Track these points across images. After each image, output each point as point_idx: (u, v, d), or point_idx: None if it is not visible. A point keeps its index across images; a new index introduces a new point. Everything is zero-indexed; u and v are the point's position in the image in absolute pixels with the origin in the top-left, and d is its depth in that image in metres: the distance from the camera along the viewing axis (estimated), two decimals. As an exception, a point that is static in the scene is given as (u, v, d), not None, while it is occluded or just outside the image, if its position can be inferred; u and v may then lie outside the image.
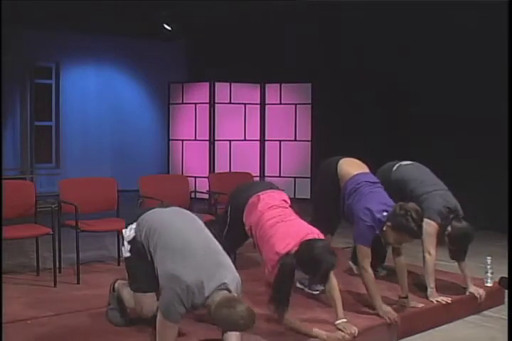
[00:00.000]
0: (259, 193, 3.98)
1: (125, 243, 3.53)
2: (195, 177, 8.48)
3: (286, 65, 8.86)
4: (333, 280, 3.73)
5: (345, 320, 3.71)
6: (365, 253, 4.07)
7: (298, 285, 4.43)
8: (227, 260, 3.33)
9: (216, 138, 8.88)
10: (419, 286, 4.60)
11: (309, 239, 3.57)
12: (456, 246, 4.41)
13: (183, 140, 9.15)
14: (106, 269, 5.07)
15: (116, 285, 3.78)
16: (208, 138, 8.86)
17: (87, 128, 9.82)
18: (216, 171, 8.61)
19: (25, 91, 9.38)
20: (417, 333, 3.97)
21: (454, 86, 7.57)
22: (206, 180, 6.33)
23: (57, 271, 4.62)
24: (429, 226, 4.31)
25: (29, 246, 5.14)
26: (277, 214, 3.82)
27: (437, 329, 4.08)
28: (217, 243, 3.41)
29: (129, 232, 3.51)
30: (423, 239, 4.32)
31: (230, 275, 3.22)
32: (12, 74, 8.84)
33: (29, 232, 4.63)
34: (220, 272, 3.20)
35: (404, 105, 7.97)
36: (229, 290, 3.15)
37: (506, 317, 3.48)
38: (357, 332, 3.64)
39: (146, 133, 10.26)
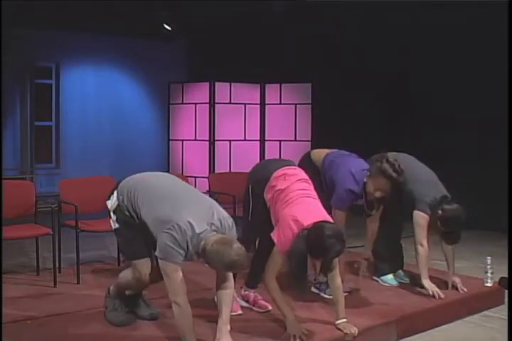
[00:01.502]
0: (285, 167, 3.91)
1: (111, 214, 3.58)
2: (195, 177, 8.47)
3: (286, 65, 8.86)
4: (338, 279, 3.72)
5: (345, 320, 3.70)
6: (340, 218, 4.20)
7: (313, 289, 4.45)
8: (215, 203, 3.41)
9: (216, 138, 8.87)
10: (420, 286, 4.61)
11: (323, 221, 3.54)
12: (450, 228, 4.42)
13: (183, 140, 9.14)
14: (106, 269, 5.07)
15: (111, 287, 3.79)
16: (208, 138, 8.85)
17: (87, 128, 9.81)
18: (216, 171, 8.60)
19: (25, 91, 9.37)
20: (417, 333, 3.97)
21: (455, 86, 7.57)
22: (206, 180, 6.34)
23: (57, 271, 4.62)
24: (421, 217, 4.38)
25: (29, 246, 5.14)
26: (304, 188, 3.79)
27: (437, 329, 4.08)
28: (200, 192, 3.54)
29: (111, 202, 3.57)
30: (414, 231, 4.42)
31: (220, 214, 3.30)
32: (12, 74, 8.84)
33: (29, 232, 4.63)
34: (209, 213, 3.28)
35: (404, 105, 7.97)
36: (222, 232, 3.23)
37: (506, 317, 3.48)
38: (357, 332, 3.63)
39: (146, 133, 10.25)
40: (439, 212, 4.36)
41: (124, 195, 3.49)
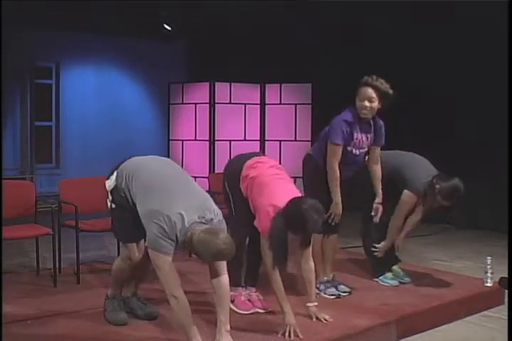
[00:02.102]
0: (255, 157, 4.01)
1: (108, 194, 3.62)
2: (195, 177, 8.44)
3: (286, 65, 8.86)
4: (311, 261, 3.77)
5: (316, 303, 3.79)
6: (334, 152, 4.17)
7: None
8: (208, 197, 3.42)
9: (216, 138, 8.86)
10: (421, 285, 4.61)
11: (299, 197, 3.63)
12: (451, 201, 4.47)
13: (183, 140, 9.14)
14: (106, 269, 5.05)
15: (109, 290, 3.81)
16: (208, 138, 8.85)
17: (87, 128, 9.81)
18: (216, 171, 8.59)
19: (25, 91, 9.36)
20: (417, 333, 3.97)
21: (456, 87, 7.57)
22: (206, 180, 6.33)
23: (57, 271, 4.62)
24: (408, 196, 4.51)
25: (29, 246, 5.14)
26: (277, 173, 3.88)
27: (437, 329, 4.07)
28: (197, 185, 3.54)
29: (110, 182, 3.60)
30: (397, 207, 4.54)
31: (212, 208, 3.32)
32: (12, 74, 8.84)
33: (29, 232, 4.63)
34: (202, 206, 3.29)
35: (404, 105, 7.94)
36: (210, 224, 3.24)
37: (506, 317, 3.48)
38: (328, 318, 3.73)
39: (146, 133, 10.25)
40: (437, 186, 4.41)
41: (123, 178, 3.52)
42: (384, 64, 7.98)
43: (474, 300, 4.43)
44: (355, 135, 4.22)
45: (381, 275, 4.73)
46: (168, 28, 9.04)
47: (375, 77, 4.22)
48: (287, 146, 9.00)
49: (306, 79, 8.79)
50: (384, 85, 4.19)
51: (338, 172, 4.18)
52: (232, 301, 3.95)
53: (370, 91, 4.19)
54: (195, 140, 9.02)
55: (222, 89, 8.88)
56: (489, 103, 7.24)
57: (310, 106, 9.06)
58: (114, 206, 3.62)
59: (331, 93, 8.55)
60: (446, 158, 7.43)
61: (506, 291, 4.41)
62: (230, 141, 8.97)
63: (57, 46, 9.18)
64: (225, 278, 3.37)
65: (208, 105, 8.82)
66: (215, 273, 3.36)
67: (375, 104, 4.20)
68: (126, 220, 3.55)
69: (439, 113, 7.72)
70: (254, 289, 4.07)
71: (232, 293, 3.92)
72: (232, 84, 8.91)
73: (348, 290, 4.41)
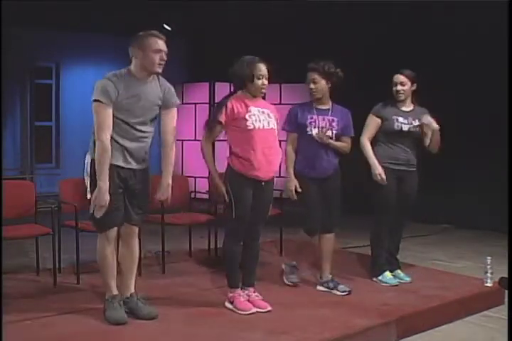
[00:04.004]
0: None
1: (86, 182, 3.72)
2: (195, 177, 8.47)
3: (286, 65, 8.85)
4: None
5: None
6: (288, 138, 4.62)
7: (321, 288, 4.54)
8: None
9: (216, 138, 8.86)
10: (421, 285, 4.61)
11: None
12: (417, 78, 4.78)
13: (183, 140, 9.13)
14: (106, 269, 5.06)
15: (107, 292, 3.83)
16: (207, 138, 8.86)
17: (87, 128, 9.73)
18: (216, 171, 8.60)
19: (25, 91, 9.37)
20: (417, 333, 3.97)
21: (456, 87, 7.56)
22: (206, 180, 6.34)
23: (57, 271, 4.62)
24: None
25: (29, 246, 5.14)
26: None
27: (437, 329, 4.07)
28: None
29: (87, 159, 3.76)
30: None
31: None
32: (12, 74, 8.84)
33: (29, 232, 4.63)
34: None
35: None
36: None
37: (506, 317, 3.47)
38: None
39: (146, 133, 10.26)
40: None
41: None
42: (384, 64, 7.98)
43: (474, 300, 4.43)
44: (308, 116, 4.50)
45: (380, 274, 4.73)
46: (168, 28, 9.03)
47: (320, 62, 4.57)
48: (287, 146, 9.00)
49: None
50: (326, 66, 4.51)
51: (292, 155, 4.52)
52: (231, 302, 3.97)
53: (311, 74, 4.53)
54: (195, 140, 9.02)
55: (222, 89, 8.87)
56: (489, 103, 7.24)
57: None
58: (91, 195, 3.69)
59: (331, 93, 8.55)
60: (447, 159, 7.45)
61: (506, 291, 4.41)
62: (230, 140, 8.96)
63: (57, 46, 9.18)
64: (172, 136, 4.05)
65: (207, 105, 8.82)
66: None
67: (320, 85, 4.51)
68: (111, 200, 3.61)
69: (439, 112, 7.71)
70: (252, 289, 4.07)
71: (230, 295, 3.98)
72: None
73: (348, 289, 4.41)
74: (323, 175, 4.43)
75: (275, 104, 9.05)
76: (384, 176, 4.57)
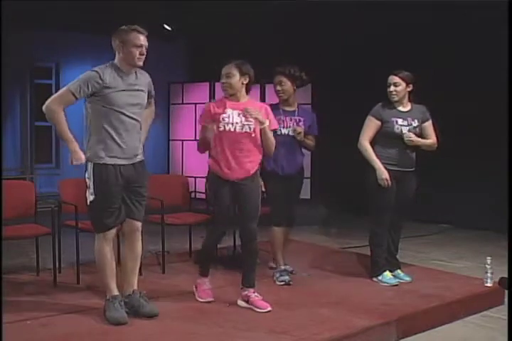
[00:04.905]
0: None
1: (88, 183, 3.81)
2: (195, 177, 8.47)
3: (286, 65, 8.85)
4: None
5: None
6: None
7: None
8: None
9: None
10: (421, 285, 4.61)
11: None
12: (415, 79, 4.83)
13: (183, 140, 9.15)
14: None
15: (107, 292, 3.84)
16: (208, 138, 8.87)
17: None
18: (216, 171, 8.61)
19: (25, 91, 9.37)
20: (417, 333, 3.97)
21: (456, 87, 7.57)
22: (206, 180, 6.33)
23: (57, 271, 4.62)
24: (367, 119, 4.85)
25: (29, 246, 5.14)
26: None
27: (437, 329, 4.07)
28: None
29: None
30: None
31: None
32: (12, 74, 8.83)
33: (29, 232, 4.63)
34: None
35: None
36: None
37: (506, 318, 3.47)
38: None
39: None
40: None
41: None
42: (384, 64, 7.98)
43: (474, 300, 4.43)
44: (277, 117, 4.57)
45: (380, 275, 4.73)
46: (168, 28, 9.04)
47: (286, 65, 4.94)
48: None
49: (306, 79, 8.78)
50: (292, 70, 4.85)
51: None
52: (195, 288, 4.25)
53: (278, 77, 4.87)
54: (195, 140, 9.01)
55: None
56: (489, 103, 7.24)
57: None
58: (92, 198, 3.74)
59: (331, 93, 8.55)
60: (447, 158, 7.45)
61: (506, 291, 4.41)
62: (230, 140, 8.97)
63: (57, 46, 9.18)
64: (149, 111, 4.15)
65: (207, 105, 8.82)
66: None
67: (286, 87, 4.82)
68: (107, 208, 3.71)
69: (439, 112, 7.71)
70: (252, 290, 4.10)
71: (198, 281, 4.27)
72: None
73: (287, 280, 4.64)
74: (290, 174, 4.74)
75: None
76: (389, 181, 4.58)
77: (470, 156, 7.43)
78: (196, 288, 4.25)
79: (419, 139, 4.68)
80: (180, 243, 5.75)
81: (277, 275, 4.73)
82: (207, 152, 4.24)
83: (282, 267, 4.79)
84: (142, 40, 3.83)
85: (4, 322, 3.51)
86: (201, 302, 4.12)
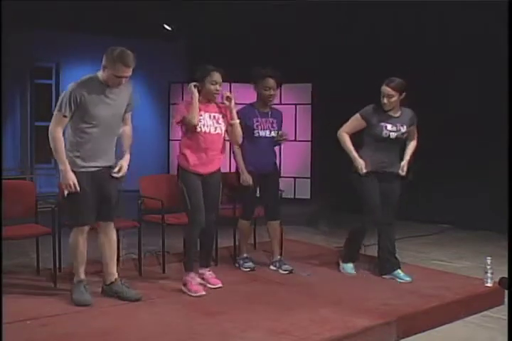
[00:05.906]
0: None
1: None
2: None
3: (286, 65, 8.85)
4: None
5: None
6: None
7: (271, 267, 5.05)
8: None
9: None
10: (421, 285, 4.61)
11: None
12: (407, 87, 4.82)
13: (183, 140, 9.14)
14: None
15: (75, 277, 4.16)
16: (208, 138, 8.86)
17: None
18: (216, 171, 8.60)
19: (25, 91, 9.38)
20: (417, 333, 3.97)
21: (456, 86, 7.56)
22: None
23: (57, 271, 4.61)
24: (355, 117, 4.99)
25: (29, 246, 5.13)
26: None
27: (437, 329, 4.07)
28: None
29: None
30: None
31: None
32: (12, 74, 8.84)
33: (29, 232, 4.63)
34: None
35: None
36: None
37: (506, 318, 3.47)
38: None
39: (146, 133, 10.24)
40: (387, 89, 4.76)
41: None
42: (384, 64, 7.99)
43: (474, 300, 4.43)
44: (254, 119, 4.93)
45: (345, 263, 4.96)
46: (168, 28, 9.04)
47: (275, 69, 5.02)
48: (287, 146, 8.99)
49: (306, 79, 8.79)
50: (278, 73, 5.01)
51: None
52: (185, 285, 4.36)
53: (273, 81, 4.96)
54: (195, 140, 9.02)
55: (222, 89, 8.89)
56: (489, 103, 7.24)
57: (310, 106, 9.07)
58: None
59: (331, 93, 8.56)
60: (447, 158, 7.45)
61: (506, 291, 4.41)
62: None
63: (57, 46, 9.19)
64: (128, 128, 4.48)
65: (207, 105, 8.81)
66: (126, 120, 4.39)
67: (277, 91, 5.05)
68: (82, 201, 3.97)
69: (439, 112, 7.72)
70: (208, 269, 4.58)
71: (185, 278, 4.40)
72: (232, 84, 8.92)
73: (290, 269, 4.91)
74: (266, 171, 4.98)
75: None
76: (364, 169, 4.67)
77: (470, 156, 7.43)
78: (185, 285, 4.37)
79: (407, 159, 4.80)
80: (180, 243, 5.72)
81: (241, 262, 5.06)
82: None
83: (245, 255, 5.10)
84: (125, 71, 4.05)
85: (4, 322, 3.50)
86: (194, 296, 4.24)
